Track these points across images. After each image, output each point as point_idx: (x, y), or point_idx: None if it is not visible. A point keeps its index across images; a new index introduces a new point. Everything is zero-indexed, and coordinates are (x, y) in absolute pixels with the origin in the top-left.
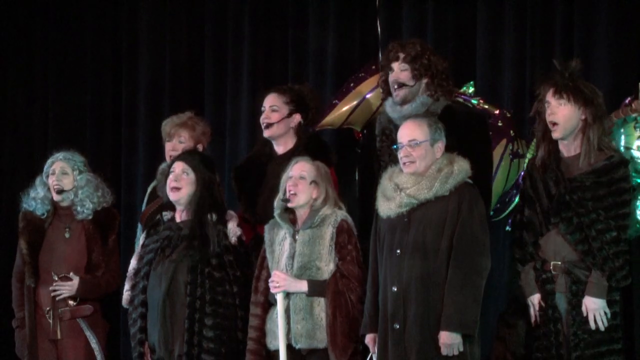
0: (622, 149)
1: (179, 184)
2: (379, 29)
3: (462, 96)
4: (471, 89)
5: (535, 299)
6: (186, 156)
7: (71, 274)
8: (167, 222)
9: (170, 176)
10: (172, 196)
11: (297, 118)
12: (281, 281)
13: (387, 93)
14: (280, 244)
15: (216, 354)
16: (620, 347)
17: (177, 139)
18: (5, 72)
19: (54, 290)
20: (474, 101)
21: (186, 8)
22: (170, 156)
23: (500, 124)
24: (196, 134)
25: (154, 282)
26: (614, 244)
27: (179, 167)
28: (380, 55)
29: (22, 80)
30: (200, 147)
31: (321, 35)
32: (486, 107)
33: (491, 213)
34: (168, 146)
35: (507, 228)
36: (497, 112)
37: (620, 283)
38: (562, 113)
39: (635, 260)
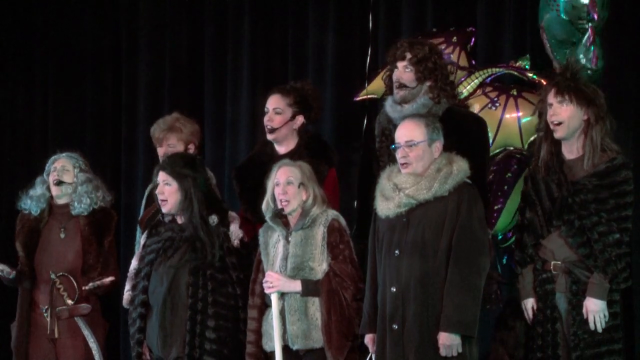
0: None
1: (164, 197)
2: (370, 23)
3: (518, 70)
4: (527, 63)
5: (528, 303)
6: (166, 165)
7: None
8: (168, 223)
9: (158, 188)
10: (163, 209)
11: (300, 120)
12: (275, 281)
13: (389, 89)
14: (274, 246)
15: (218, 355)
16: (620, 347)
17: (166, 144)
18: (5, 72)
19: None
20: (530, 75)
21: (186, 8)
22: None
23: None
24: (184, 136)
25: (155, 283)
26: (616, 246)
27: (161, 178)
28: (369, 50)
29: (22, 80)
30: (191, 148)
31: (321, 34)
32: (542, 81)
33: (499, 236)
34: (159, 151)
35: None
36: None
37: (621, 285)
38: (564, 113)
39: (636, 262)
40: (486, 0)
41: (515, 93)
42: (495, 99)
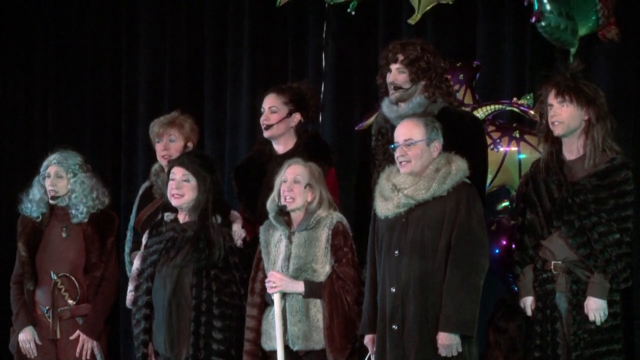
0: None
1: (181, 191)
2: (323, 59)
3: (520, 107)
4: (530, 102)
5: (527, 301)
6: (185, 161)
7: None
8: (170, 223)
9: (171, 183)
10: (174, 202)
11: (297, 117)
12: (278, 281)
13: (384, 91)
14: (276, 245)
15: (226, 355)
16: (620, 347)
17: (167, 138)
18: (5, 72)
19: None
20: (532, 113)
21: (186, 8)
22: (163, 156)
23: None
24: (185, 132)
25: (158, 284)
26: (617, 246)
27: (179, 173)
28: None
29: (22, 80)
30: (190, 145)
31: (321, 35)
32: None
33: None
34: (159, 147)
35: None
36: None
37: (621, 285)
38: (565, 114)
39: (636, 262)
40: (486, 2)
41: (517, 135)
42: (498, 140)
